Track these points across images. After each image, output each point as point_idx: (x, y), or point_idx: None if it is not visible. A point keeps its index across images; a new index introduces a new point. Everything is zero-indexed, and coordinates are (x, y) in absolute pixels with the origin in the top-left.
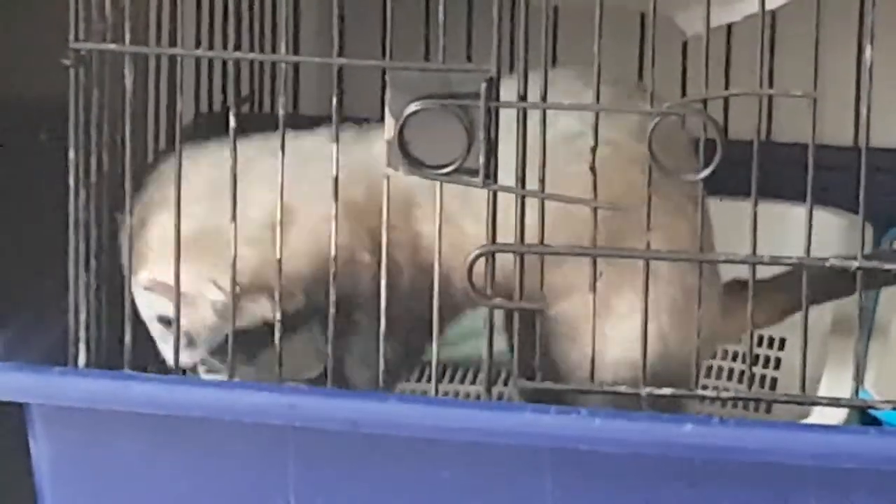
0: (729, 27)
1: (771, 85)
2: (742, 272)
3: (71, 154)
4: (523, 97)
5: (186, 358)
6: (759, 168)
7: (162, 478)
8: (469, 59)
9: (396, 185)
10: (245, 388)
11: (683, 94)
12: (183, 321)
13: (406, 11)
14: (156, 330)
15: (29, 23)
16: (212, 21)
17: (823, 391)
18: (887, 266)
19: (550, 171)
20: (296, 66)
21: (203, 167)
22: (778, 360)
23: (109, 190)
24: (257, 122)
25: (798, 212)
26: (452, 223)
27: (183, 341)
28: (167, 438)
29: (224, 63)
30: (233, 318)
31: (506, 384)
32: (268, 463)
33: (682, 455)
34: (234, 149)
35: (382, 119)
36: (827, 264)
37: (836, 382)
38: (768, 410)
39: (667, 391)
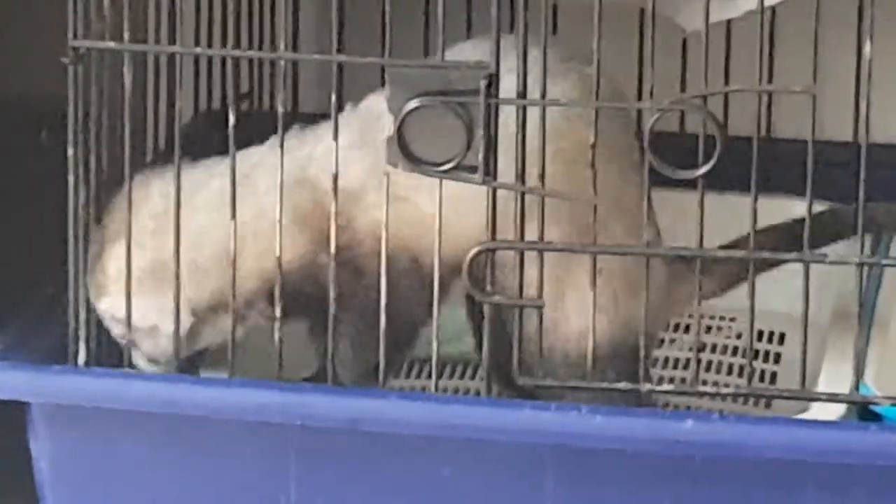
0: (728, 23)
1: (770, 81)
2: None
3: (70, 152)
4: (522, 94)
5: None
6: (758, 164)
7: (162, 476)
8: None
9: (347, 179)
10: (246, 387)
11: (683, 90)
12: (144, 348)
13: (405, 8)
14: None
15: (28, 21)
16: (211, 19)
17: (823, 386)
18: (885, 261)
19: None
20: (295, 64)
21: (155, 197)
22: (778, 355)
23: (109, 189)
24: (257, 120)
25: (798, 207)
26: (408, 201)
27: (142, 361)
28: (168, 437)
29: (223, 61)
30: (233, 324)
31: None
32: (268, 461)
33: (683, 451)
34: (232, 146)
35: (327, 116)
36: (827, 260)
37: (835, 377)
38: (768, 405)
39: (667, 387)
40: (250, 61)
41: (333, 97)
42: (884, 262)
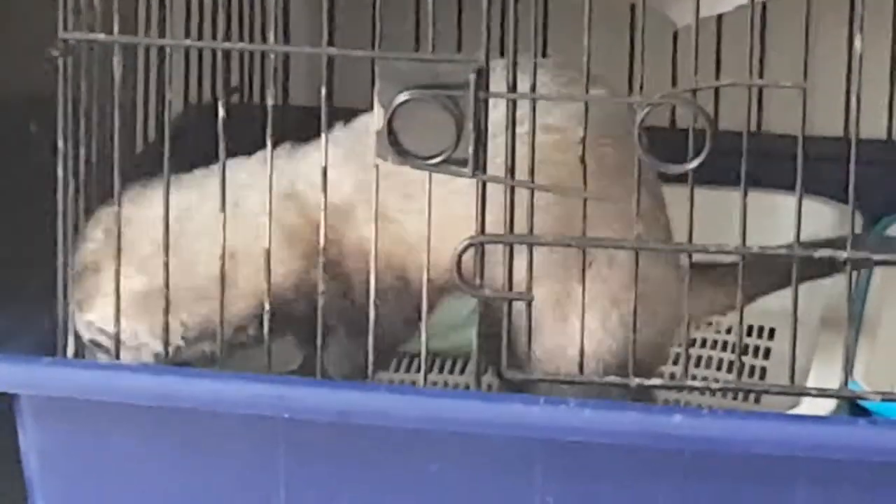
0: (719, 18)
1: (761, 75)
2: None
3: (60, 145)
4: (512, 88)
5: None
6: (749, 158)
7: (152, 469)
8: (459, 49)
9: (336, 194)
10: (235, 380)
11: (674, 84)
12: (123, 357)
13: (396, 2)
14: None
15: (17, 13)
16: (201, 11)
17: (813, 381)
18: (876, 256)
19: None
20: (285, 57)
21: (154, 219)
22: (767, 350)
23: (98, 181)
24: (247, 113)
25: (788, 202)
26: (393, 221)
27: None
28: (157, 429)
29: (213, 53)
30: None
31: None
32: (258, 453)
33: (672, 446)
34: (224, 142)
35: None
36: (816, 254)
37: (825, 373)
38: (757, 400)
39: (656, 381)
40: (241, 54)
41: (324, 90)
42: (874, 257)
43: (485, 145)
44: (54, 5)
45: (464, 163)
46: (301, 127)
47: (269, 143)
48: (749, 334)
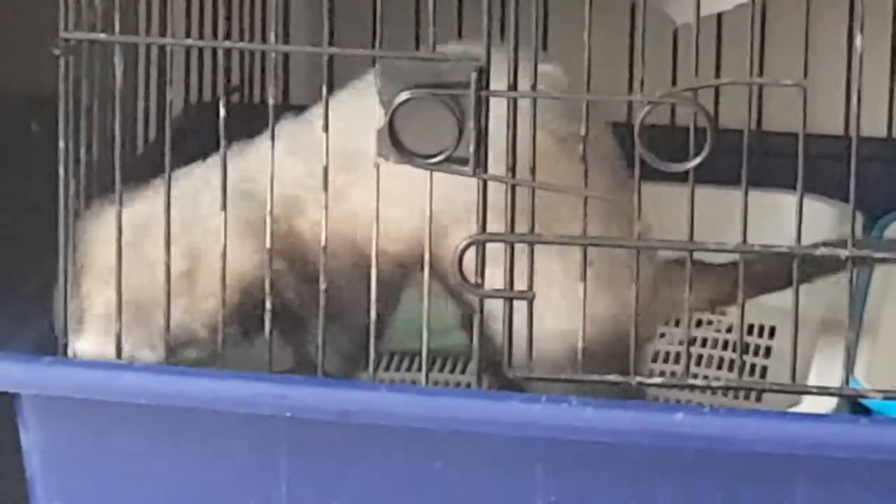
0: (719, 16)
1: (761, 74)
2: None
3: (61, 144)
4: (513, 86)
5: None
6: (749, 157)
7: (153, 467)
8: None
9: (286, 184)
10: (236, 379)
11: (674, 83)
12: None
13: (396, 1)
14: None
15: (18, 12)
16: (202, 10)
17: (813, 380)
18: (878, 254)
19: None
20: (286, 56)
21: (115, 231)
22: (768, 349)
23: (99, 180)
24: (247, 112)
25: (789, 200)
26: (343, 198)
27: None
28: (158, 428)
29: (214, 52)
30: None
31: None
32: (260, 453)
33: (674, 444)
34: (225, 140)
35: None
36: (817, 252)
37: (826, 371)
38: (759, 399)
39: (657, 381)
40: (241, 53)
41: (325, 89)
42: (875, 255)
43: (486, 144)
44: (55, 5)
45: (465, 161)
46: None
47: (271, 142)
48: (750, 333)
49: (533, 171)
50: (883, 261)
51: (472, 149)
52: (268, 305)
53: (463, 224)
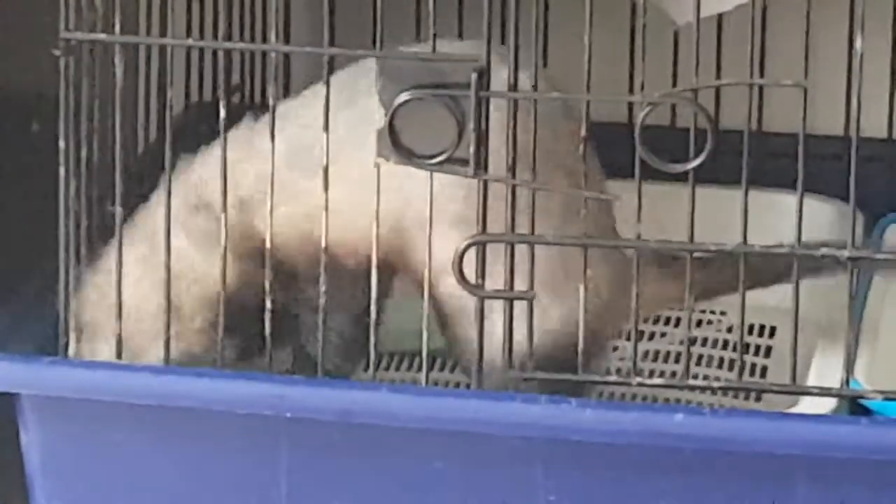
0: (720, 17)
1: (762, 74)
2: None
3: (61, 144)
4: (514, 87)
5: None
6: (750, 157)
7: (153, 467)
8: None
9: (241, 188)
10: (236, 379)
11: (674, 84)
12: None
13: (396, 1)
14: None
15: (19, 12)
16: (202, 10)
17: (813, 380)
18: (878, 255)
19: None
20: (286, 56)
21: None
22: (768, 349)
23: (100, 180)
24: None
25: (789, 201)
26: (298, 197)
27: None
28: (158, 428)
29: (214, 53)
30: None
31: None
32: (260, 453)
33: (673, 445)
34: (224, 138)
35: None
36: (818, 253)
37: (826, 371)
38: (758, 399)
39: (657, 381)
40: (241, 53)
41: (325, 89)
42: (875, 256)
43: (486, 144)
44: (55, 5)
45: (465, 162)
46: None
47: (272, 142)
48: (750, 333)
49: (533, 171)
50: (883, 262)
51: (472, 149)
52: (268, 305)
53: (427, 226)
